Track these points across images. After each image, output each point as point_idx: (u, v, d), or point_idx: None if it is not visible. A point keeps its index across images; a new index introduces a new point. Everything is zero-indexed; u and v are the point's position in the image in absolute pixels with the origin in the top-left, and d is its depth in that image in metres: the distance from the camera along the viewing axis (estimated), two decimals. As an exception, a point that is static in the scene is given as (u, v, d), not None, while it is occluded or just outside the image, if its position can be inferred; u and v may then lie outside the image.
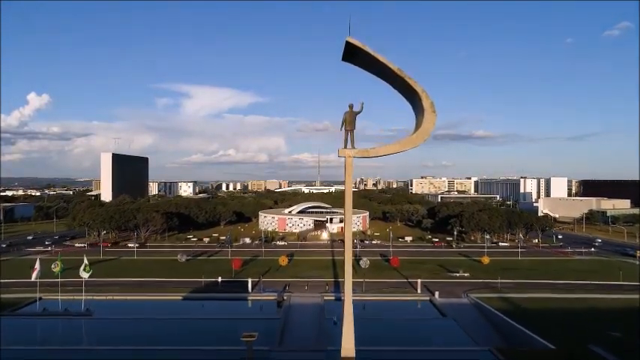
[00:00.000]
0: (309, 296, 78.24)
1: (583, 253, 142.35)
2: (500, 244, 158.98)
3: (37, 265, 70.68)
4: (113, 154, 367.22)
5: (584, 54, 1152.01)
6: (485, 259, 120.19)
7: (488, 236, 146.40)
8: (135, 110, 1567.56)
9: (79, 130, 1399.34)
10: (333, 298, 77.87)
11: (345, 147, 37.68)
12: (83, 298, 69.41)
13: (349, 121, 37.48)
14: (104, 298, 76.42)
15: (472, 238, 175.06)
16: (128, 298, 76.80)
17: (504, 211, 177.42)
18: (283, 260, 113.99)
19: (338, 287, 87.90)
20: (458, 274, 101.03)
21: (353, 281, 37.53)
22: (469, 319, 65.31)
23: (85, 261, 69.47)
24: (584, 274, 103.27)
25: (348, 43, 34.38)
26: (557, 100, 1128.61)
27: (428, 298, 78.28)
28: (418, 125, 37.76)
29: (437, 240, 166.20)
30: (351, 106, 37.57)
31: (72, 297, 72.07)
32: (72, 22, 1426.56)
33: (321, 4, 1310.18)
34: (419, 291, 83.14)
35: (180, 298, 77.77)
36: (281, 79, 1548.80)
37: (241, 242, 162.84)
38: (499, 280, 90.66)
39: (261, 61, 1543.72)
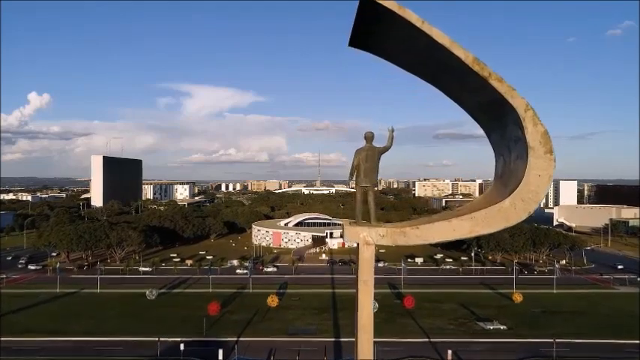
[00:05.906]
0: (301, 377, 57.59)
1: (627, 281, 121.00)
2: (537, 269, 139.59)
3: None
4: (104, 156, 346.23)
5: (586, 53, 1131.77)
6: (518, 297, 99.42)
7: (517, 266, 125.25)
8: (136, 110, 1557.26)
9: (80, 129, 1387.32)
10: (332, 379, 57.30)
11: (358, 221, 15.27)
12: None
13: (368, 170, 14.91)
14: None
15: (490, 258, 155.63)
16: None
17: (527, 228, 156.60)
18: (272, 300, 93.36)
19: (340, 353, 67.14)
20: (492, 327, 79.72)
21: None
22: None
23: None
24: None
25: (364, 5, 13.03)
26: (559, 99, 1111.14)
27: (463, 381, 57.47)
28: (510, 177, 14.61)
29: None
30: (369, 138, 15.22)
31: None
32: (73, 22, 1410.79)
33: (321, 3, 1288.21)
34: (449, 366, 62.19)
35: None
36: (282, 78, 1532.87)
37: (228, 265, 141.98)
38: (553, 340, 68.40)
39: (262, 60, 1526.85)
